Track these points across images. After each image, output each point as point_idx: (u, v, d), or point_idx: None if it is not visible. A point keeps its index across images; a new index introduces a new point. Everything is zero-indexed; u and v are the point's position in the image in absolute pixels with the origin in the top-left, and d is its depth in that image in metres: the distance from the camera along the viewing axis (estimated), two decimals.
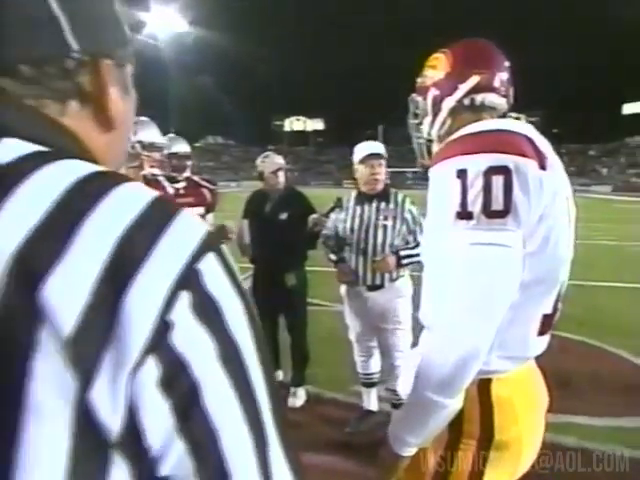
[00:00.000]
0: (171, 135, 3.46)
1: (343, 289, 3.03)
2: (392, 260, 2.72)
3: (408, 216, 2.81)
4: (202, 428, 0.39)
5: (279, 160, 3.38)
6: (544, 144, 1.06)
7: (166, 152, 3.28)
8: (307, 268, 3.48)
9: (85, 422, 0.36)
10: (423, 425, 1.04)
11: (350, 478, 2.53)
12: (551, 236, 1.03)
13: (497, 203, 0.96)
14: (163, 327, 0.37)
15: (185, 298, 0.39)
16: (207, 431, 0.39)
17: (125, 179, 0.42)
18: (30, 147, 0.42)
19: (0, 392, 0.35)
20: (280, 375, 3.71)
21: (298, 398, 3.40)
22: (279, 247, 3.20)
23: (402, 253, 2.74)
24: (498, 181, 0.96)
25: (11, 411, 0.35)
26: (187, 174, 3.35)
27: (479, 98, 1.20)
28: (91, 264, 0.36)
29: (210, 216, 3.52)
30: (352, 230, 2.86)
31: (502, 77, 1.22)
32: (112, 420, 0.36)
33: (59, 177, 0.39)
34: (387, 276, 2.81)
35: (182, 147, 3.35)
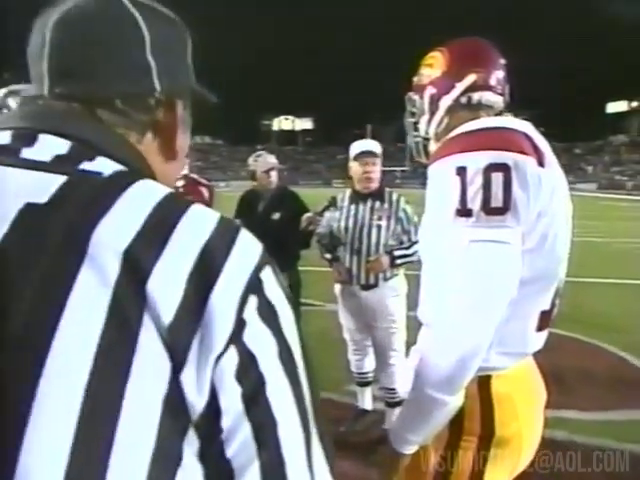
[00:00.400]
0: None
1: (337, 288, 3.02)
2: (386, 260, 2.72)
3: (402, 215, 2.81)
4: (264, 416, 0.45)
5: (272, 159, 3.37)
6: (542, 141, 1.07)
7: None
8: (300, 268, 3.46)
9: (174, 400, 0.42)
10: (424, 423, 1.05)
11: (346, 478, 2.51)
12: (549, 233, 1.04)
13: (496, 200, 0.96)
14: (240, 323, 0.44)
15: (253, 301, 0.46)
16: (268, 419, 0.46)
17: (190, 200, 0.50)
18: (117, 166, 0.49)
19: (111, 361, 0.40)
20: None
21: None
22: (272, 247, 3.11)
23: (396, 253, 2.74)
24: (498, 178, 0.96)
25: (116, 377, 0.40)
26: (185, 172, 3.38)
27: (476, 96, 1.21)
28: (183, 265, 0.44)
29: None
30: (346, 229, 2.85)
31: (498, 75, 1.23)
32: (197, 400, 0.42)
33: (148, 193, 0.47)
34: (381, 275, 2.80)
35: None
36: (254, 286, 0.46)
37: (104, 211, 0.44)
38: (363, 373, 3.12)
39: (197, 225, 0.47)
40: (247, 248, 0.48)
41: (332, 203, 2.95)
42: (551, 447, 1.14)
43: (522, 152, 0.98)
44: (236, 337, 0.44)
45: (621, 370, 3.95)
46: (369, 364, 3.10)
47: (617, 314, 5.48)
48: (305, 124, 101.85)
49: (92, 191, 0.45)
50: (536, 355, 1.21)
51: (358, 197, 2.87)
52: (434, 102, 1.25)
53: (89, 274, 0.41)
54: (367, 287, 2.83)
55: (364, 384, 3.15)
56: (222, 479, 0.46)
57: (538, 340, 1.17)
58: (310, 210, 3.20)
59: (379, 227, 2.77)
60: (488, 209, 0.96)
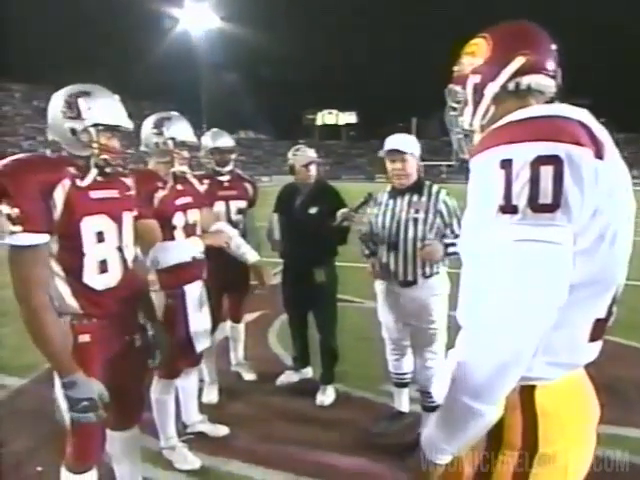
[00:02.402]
0: (215, 130, 3.47)
1: (377, 285, 2.96)
2: (439, 247, 2.58)
3: (442, 207, 2.70)
4: None
5: (311, 153, 3.34)
6: (601, 131, 0.96)
7: (211, 146, 3.31)
8: (337, 263, 3.42)
9: None
10: (459, 433, 0.99)
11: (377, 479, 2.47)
12: (607, 233, 0.95)
13: (545, 196, 0.88)
14: None
15: None
16: None
17: None
18: None
19: None
20: (310, 372, 3.68)
21: (327, 396, 3.35)
22: (309, 242, 3.15)
23: (446, 241, 2.63)
24: (547, 172, 0.87)
25: None
26: (230, 167, 3.38)
27: (525, 81, 1.11)
28: None
29: (251, 211, 3.54)
30: (384, 225, 2.79)
31: (549, 57, 1.13)
32: None
33: None
34: (420, 272, 2.72)
35: (225, 141, 3.37)
36: None
37: None
38: (401, 374, 3.04)
39: None
40: None
41: (368, 199, 2.89)
42: (607, 468, 1.04)
43: (577, 143, 0.89)
44: None
45: None
46: (407, 365, 3.02)
47: None
48: (349, 118, 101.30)
49: None
50: (590, 366, 1.12)
51: (396, 192, 2.82)
52: (478, 91, 1.17)
53: None
54: (406, 284, 2.75)
55: (401, 385, 3.07)
56: None
57: (591, 351, 1.07)
58: (347, 205, 3.13)
59: (416, 220, 2.69)
60: (536, 206, 0.88)
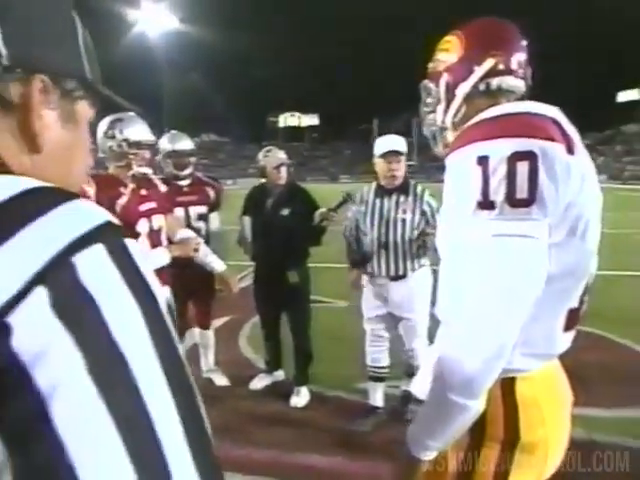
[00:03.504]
0: (173, 132, 3.41)
1: (364, 278, 3.07)
2: None
3: (427, 208, 2.87)
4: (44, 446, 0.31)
5: (282, 155, 3.35)
6: (570, 127, 1.00)
7: (169, 149, 3.24)
8: (309, 264, 3.43)
9: None
10: (443, 428, 1.00)
11: (356, 477, 2.50)
12: (579, 225, 0.97)
13: (522, 191, 0.89)
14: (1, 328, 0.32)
15: (43, 295, 0.33)
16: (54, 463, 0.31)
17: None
18: None
19: None
20: (282, 375, 3.67)
21: (301, 397, 3.35)
22: (281, 244, 3.15)
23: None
24: (523, 167, 0.89)
25: None
26: (189, 171, 3.30)
27: (495, 82, 1.14)
28: None
29: (214, 215, 3.47)
30: (372, 224, 2.91)
31: (519, 58, 1.16)
32: None
33: None
34: (409, 266, 2.88)
35: (184, 144, 3.31)
36: (50, 274, 0.33)
37: None
38: (378, 367, 3.10)
39: None
40: (63, 220, 0.36)
41: (347, 199, 2.98)
42: (570, 446, 1.11)
43: (550, 139, 0.92)
44: None
45: (638, 365, 3.89)
46: (385, 358, 3.10)
47: (633, 307, 5.36)
48: (311, 120, 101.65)
49: None
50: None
51: (383, 191, 2.92)
52: (450, 90, 1.19)
53: None
54: (396, 278, 2.90)
55: (377, 379, 3.12)
56: None
57: (566, 340, 1.11)
58: (319, 207, 3.16)
59: (404, 221, 2.83)
60: (513, 201, 0.90)
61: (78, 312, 0.34)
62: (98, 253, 0.35)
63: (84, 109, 0.57)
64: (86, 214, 0.37)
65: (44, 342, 0.32)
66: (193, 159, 3.34)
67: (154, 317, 0.37)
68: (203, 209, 3.33)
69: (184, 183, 3.26)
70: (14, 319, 0.32)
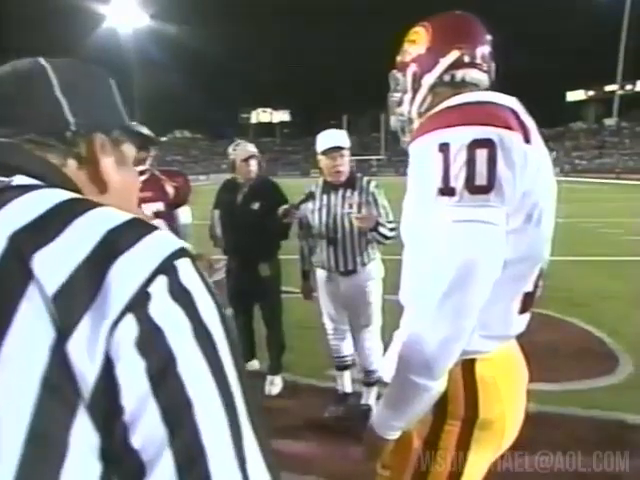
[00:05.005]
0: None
1: (318, 273, 3.06)
2: (372, 217, 2.69)
3: (370, 199, 2.82)
4: (175, 395, 0.42)
5: (251, 148, 3.33)
6: (528, 118, 1.02)
7: None
8: (280, 256, 3.48)
9: (59, 370, 0.39)
10: (407, 408, 1.03)
11: (330, 461, 2.58)
12: (534, 213, 1.00)
13: (481, 178, 0.91)
14: (143, 296, 0.43)
15: (163, 281, 0.44)
16: (181, 399, 0.42)
17: (97, 204, 0.50)
18: (33, 181, 0.53)
19: None
20: (256, 364, 3.74)
21: (275, 386, 3.44)
22: (252, 237, 3.19)
23: (379, 220, 2.73)
24: (482, 155, 0.90)
25: None
26: (146, 166, 3.17)
27: (459, 74, 1.16)
28: (79, 245, 0.44)
29: (185, 209, 3.42)
30: (320, 220, 2.88)
31: (484, 52, 1.18)
32: (88, 369, 0.39)
33: (50, 195, 0.49)
34: (359, 261, 2.86)
35: None
36: (165, 269, 0.45)
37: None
38: (342, 357, 3.18)
39: (100, 219, 0.47)
40: (160, 240, 0.48)
41: (309, 196, 2.96)
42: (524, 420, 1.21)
43: (508, 127, 0.93)
44: (136, 307, 0.42)
45: (583, 341, 4.18)
46: (347, 348, 3.16)
47: (580, 288, 5.85)
48: (283, 116, 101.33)
49: None
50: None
51: (330, 187, 2.89)
52: (417, 80, 1.21)
53: None
54: (346, 273, 2.89)
55: (343, 368, 3.21)
56: (129, 478, 0.41)
57: (521, 322, 1.14)
58: (289, 201, 3.20)
59: (350, 215, 2.77)
60: (472, 187, 0.91)
61: (184, 299, 0.45)
62: (188, 263, 0.48)
63: (129, 149, 0.70)
64: (173, 238, 0.49)
65: (168, 312, 0.44)
66: (150, 154, 3.22)
67: (223, 314, 0.49)
68: (159, 205, 3.20)
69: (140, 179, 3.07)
70: (153, 290, 0.44)
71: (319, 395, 3.32)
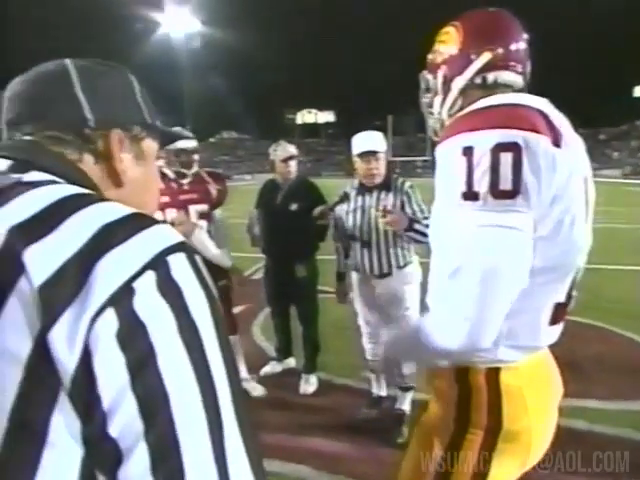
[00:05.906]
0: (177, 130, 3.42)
1: (354, 276, 3.04)
2: (403, 217, 2.58)
3: (405, 198, 2.77)
4: (153, 388, 0.43)
5: (290, 148, 3.34)
6: (560, 120, 0.98)
7: (173, 148, 3.15)
8: (318, 257, 3.49)
9: (41, 358, 0.42)
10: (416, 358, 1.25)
11: (360, 462, 2.57)
12: (565, 219, 0.95)
13: (505, 182, 0.88)
14: (127, 290, 0.44)
15: (151, 276, 0.46)
16: (157, 392, 0.43)
17: (103, 199, 0.52)
18: (49, 177, 0.55)
19: None
20: (292, 362, 3.79)
21: (310, 385, 3.47)
22: (290, 237, 3.22)
23: (411, 217, 2.65)
24: (507, 159, 0.88)
25: None
26: (195, 169, 3.23)
27: (491, 76, 1.13)
28: (73, 239, 0.45)
29: (217, 212, 3.40)
30: (354, 222, 2.85)
31: (517, 52, 1.13)
32: (67, 359, 0.42)
33: (57, 190, 0.51)
34: (394, 264, 2.81)
35: (188, 142, 3.19)
36: (156, 264, 0.46)
37: (3, 202, 0.48)
38: (377, 360, 3.14)
39: (101, 212, 0.49)
40: (157, 235, 0.49)
41: (344, 197, 2.94)
42: (570, 437, 1.12)
43: (534, 130, 0.89)
44: (119, 301, 0.43)
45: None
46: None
47: (638, 301, 5.38)
48: (328, 117, 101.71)
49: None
50: (553, 344, 1.15)
51: (364, 189, 2.86)
52: (447, 82, 1.18)
53: None
54: (381, 276, 2.85)
55: None
56: (107, 464, 0.43)
57: (552, 333, 1.10)
58: (327, 201, 3.22)
59: (385, 217, 2.66)
60: (496, 192, 0.89)
61: (173, 295, 0.47)
62: (182, 259, 0.49)
63: (149, 146, 0.73)
64: (171, 233, 0.51)
65: (153, 306, 0.45)
66: (197, 157, 3.26)
67: (215, 311, 0.50)
68: (204, 207, 3.23)
69: (185, 181, 3.15)
70: (138, 285, 0.45)
71: (353, 396, 3.32)
